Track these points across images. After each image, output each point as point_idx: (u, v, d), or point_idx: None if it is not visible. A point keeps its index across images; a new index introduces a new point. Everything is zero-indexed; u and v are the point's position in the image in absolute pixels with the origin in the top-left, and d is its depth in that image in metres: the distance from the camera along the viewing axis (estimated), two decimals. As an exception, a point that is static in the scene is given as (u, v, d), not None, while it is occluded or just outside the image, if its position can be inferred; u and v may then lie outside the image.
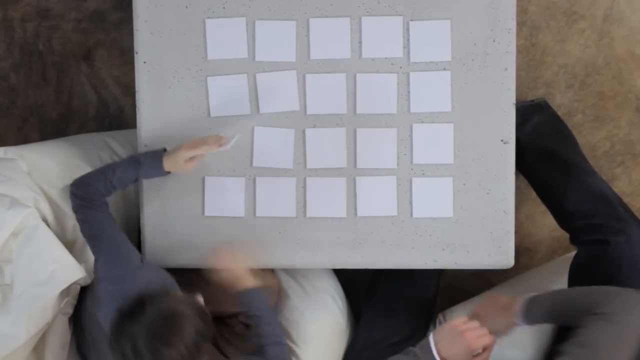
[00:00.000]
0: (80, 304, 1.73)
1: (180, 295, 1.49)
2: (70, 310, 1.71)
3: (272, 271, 1.94)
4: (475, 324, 1.54)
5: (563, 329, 1.78)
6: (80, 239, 1.76)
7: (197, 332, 1.42)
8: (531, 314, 1.60)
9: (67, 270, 1.64)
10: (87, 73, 2.32)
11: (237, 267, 1.71)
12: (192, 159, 1.68)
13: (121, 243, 1.65)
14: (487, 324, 1.60)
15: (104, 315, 1.59)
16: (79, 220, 1.68)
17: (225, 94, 1.78)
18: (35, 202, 1.69)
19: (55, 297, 1.62)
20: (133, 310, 1.42)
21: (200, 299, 1.54)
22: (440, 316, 2.06)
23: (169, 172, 1.71)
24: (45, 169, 1.76)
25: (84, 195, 1.67)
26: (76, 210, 1.68)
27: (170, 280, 1.68)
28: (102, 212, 1.67)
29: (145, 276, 1.62)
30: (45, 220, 1.69)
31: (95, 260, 1.65)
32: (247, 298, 1.70)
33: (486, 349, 1.53)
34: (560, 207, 1.93)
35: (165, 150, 1.72)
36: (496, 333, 1.62)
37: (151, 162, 1.70)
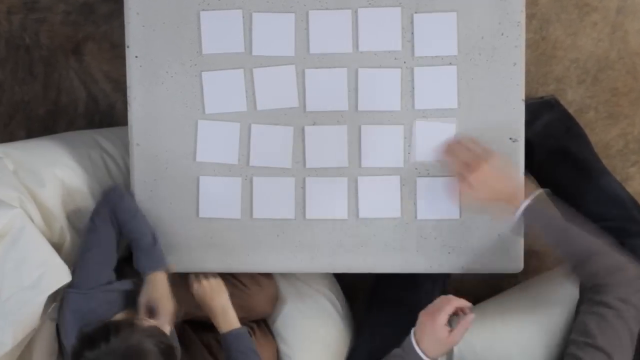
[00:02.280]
0: None
1: (148, 328, 1.50)
2: (56, 316, 1.72)
3: (269, 275, 1.94)
4: (441, 302, 1.57)
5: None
6: (68, 240, 1.76)
7: None
8: (533, 216, 1.58)
9: (55, 273, 1.64)
10: (76, 68, 2.32)
11: (218, 303, 1.74)
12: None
13: (103, 261, 1.70)
14: (480, 192, 1.62)
15: (65, 327, 1.62)
16: (91, 225, 1.71)
17: (220, 89, 1.78)
18: (21, 203, 1.69)
19: (42, 301, 1.62)
20: (95, 338, 1.43)
21: (167, 330, 1.57)
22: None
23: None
24: (31, 168, 1.76)
25: (115, 209, 1.71)
26: (97, 215, 1.72)
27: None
28: (114, 229, 1.72)
29: (116, 296, 1.67)
30: (31, 221, 1.69)
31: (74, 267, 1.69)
32: (229, 341, 1.72)
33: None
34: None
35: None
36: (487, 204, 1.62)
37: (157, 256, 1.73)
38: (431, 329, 1.57)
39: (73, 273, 1.68)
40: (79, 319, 1.63)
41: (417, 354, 1.57)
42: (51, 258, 1.65)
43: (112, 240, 1.72)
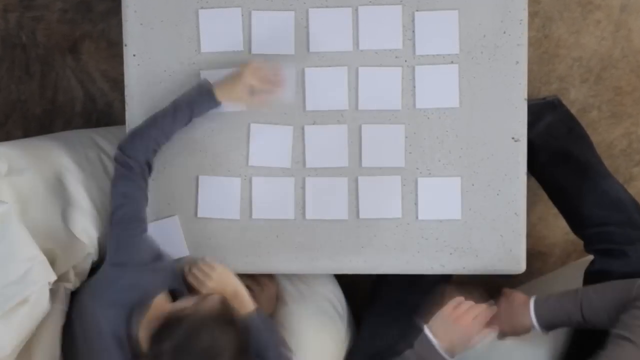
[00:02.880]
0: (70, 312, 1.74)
1: (232, 328, 1.51)
2: (61, 320, 1.72)
3: (269, 276, 1.94)
4: (466, 305, 1.58)
5: (579, 335, 1.79)
6: (64, 241, 1.76)
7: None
8: (541, 314, 1.62)
9: (41, 270, 1.64)
10: (73, 67, 2.32)
11: (230, 289, 1.69)
12: (254, 92, 1.70)
13: (137, 231, 1.67)
14: (504, 327, 1.65)
15: (103, 309, 1.61)
16: (114, 191, 1.68)
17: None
18: (11, 201, 1.69)
19: (30, 295, 1.62)
20: (162, 335, 1.46)
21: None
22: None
23: (220, 103, 1.72)
24: (27, 168, 1.76)
25: (130, 161, 1.66)
26: (116, 179, 1.68)
27: (180, 280, 1.70)
28: (142, 190, 1.68)
29: (157, 277, 1.65)
30: (18, 218, 1.68)
31: (111, 233, 1.67)
32: (248, 324, 1.67)
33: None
34: (573, 212, 1.93)
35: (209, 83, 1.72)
36: (511, 334, 1.67)
37: (201, 96, 1.70)
38: (457, 334, 1.58)
39: (116, 250, 1.65)
40: (128, 298, 1.60)
41: (437, 353, 1.57)
42: (38, 255, 1.65)
43: (146, 199, 1.70)
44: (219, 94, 1.70)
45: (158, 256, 1.69)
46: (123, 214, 1.65)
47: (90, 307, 1.65)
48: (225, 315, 1.52)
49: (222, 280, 1.70)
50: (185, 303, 1.57)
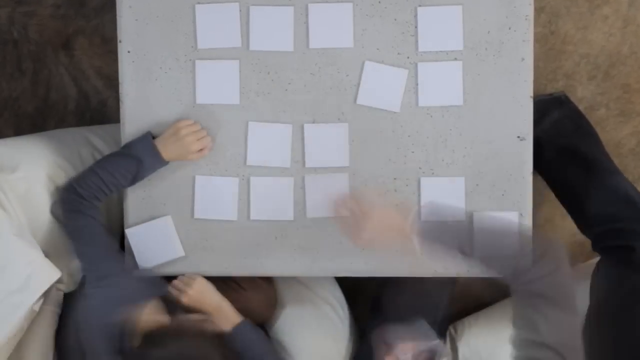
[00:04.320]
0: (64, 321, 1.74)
1: (210, 336, 1.52)
2: (54, 322, 1.72)
3: (268, 279, 1.94)
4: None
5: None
6: (57, 241, 1.76)
7: None
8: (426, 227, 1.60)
9: (43, 272, 1.64)
10: (66, 63, 2.32)
11: (209, 303, 1.73)
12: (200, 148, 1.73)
13: (108, 247, 1.68)
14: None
15: (89, 327, 1.60)
16: (68, 230, 1.69)
17: (216, 85, 1.78)
18: (3, 203, 1.69)
19: (33, 303, 1.62)
20: (155, 342, 1.46)
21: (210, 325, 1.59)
22: (451, 328, 2.06)
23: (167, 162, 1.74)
24: (18, 166, 1.76)
25: (75, 202, 1.68)
26: (66, 217, 1.69)
27: (163, 289, 1.70)
28: (94, 218, 1.69)
29: (136, 284, 1.65)
30: (14, 222, 1.69)
31: (82, 268, 1.67)
32: (236, 338, 1.71)
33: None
34: (581, 210, 1.94)
35: (152, 136, 1.74)
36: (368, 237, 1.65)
37: (148, 155, 1.72)
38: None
39: (87, 270, 1.66)
40: (108, 312, 1.62)
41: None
42: (38, 257, 1.65)
43: (103, 221, 1.71)
44: (165, 152, 1.73)
45: (135, 266, 1.70)
46: (88, 235, 1.67)
47: (82, 320, 1.66)
48: (219, 337, 1.54)
49: (202, 291, 1.73)
50: (185, 319, 1.59)
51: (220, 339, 1.54)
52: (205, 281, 1.76)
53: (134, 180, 1.73)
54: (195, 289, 1.73)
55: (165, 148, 1.73)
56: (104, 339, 1.58)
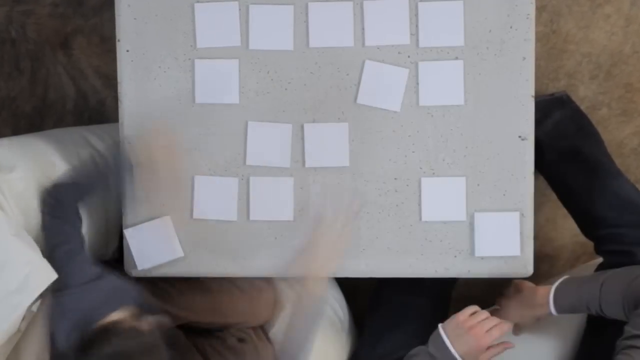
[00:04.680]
0: None
1: (127, 327, 1.49)
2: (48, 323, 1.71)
3: (268, 279, 1.94)
4: (482, 315, 1.60)
5: (594, 322, 1.80)
6: None
7: None
8: (561, 305, 1.65)
9: (41, 272, 1.64)
10: (64, 63, 2.32)
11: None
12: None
13: (77, 258, 1.65)
14: (511, 316, 1.69)
15: (59, 334, 1.59)
16: (45, 231, 1.68)
17: (215, 84, 1.78)
18: (3, 203, 1.69)
19: (31, 303, 1.62)
20: (92, 344, 1.43)
21: (166, 323, 1.55)
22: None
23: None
24: (16, 166, 1.76)
25: (59, 208, 1.67)
26: (46, 221, 1.68)
27: (134, 296, 1.68)
28: (75, 228, 1.67)
29: (100, 290, 1.62)
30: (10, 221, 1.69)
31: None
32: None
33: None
34: (583, 213, 1.94)
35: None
36: (522, 325, 1.71)
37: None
38: (468, 344, 1.60)
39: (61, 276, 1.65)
40: (77, 322, 1.61)
41: (450, 354, 1.60)
42: (36, 257, 1.65)
43: (80, 226, 1.69)
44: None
45: (99, 275, 1.67)
46: (71, 247, 1.65)
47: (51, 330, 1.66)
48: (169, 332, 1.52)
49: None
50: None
51: (170, 334, 1.52)
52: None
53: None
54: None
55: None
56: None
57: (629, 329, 1.54)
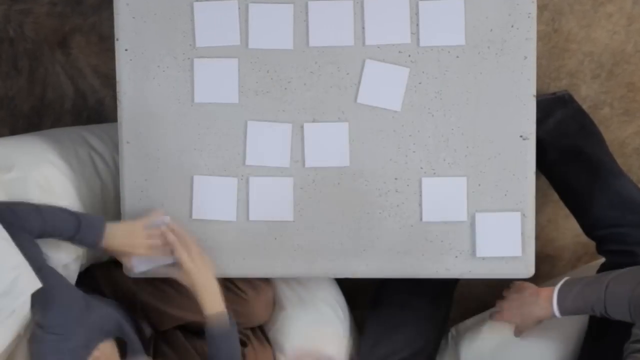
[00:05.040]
0: None
1: None
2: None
3: (266, 280, 1.94)
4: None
5: (596, 324, 1.80)
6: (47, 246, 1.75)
7: None
8: (565, 307, 1.66)
9: (28, 276, 1.63)
10: (62, 62, 2.32)
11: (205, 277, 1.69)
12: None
13: (58, 284, 1.62)
14: (512, 318, 1.69)
15: None
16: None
17: (214, 84, 1.78)
18: None
19: (18, 307, 1.61)
20: None
21: None
22: (452, 330, 2.06)
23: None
24: (14, 166, 1.76)
25: (15, 222, 1.60)
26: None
27: (122, 321, 1.68)
28: (34, 245, 1.63)
29: (93, 322, 1.61)
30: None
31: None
32: (212, 337, 1.67)
33: None
34: (585, 213, 1.93)
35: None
36: (522, 327, 1.71)
37: (89, 231, 1.66)
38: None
39: (44, 312, 1.59)
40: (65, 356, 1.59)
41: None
42: (23, 263, 1.63)
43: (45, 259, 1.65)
44: (107, 241, 1.66)
45: (86, 306, 1.64)
46: (47, 271, 1.61)
47: None
48: None
49: (202, 266, 1.69)
50: None
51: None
52: (208, 260, 1.72)
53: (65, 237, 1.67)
54: (196, 261, 1.69)
55: (117, 233, 1.68)
56: None
57: (637, 332, 1.54)
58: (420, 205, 1.78)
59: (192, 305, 1.71)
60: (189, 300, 1.73)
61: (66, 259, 1.76)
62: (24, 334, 1.63)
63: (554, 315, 1.73)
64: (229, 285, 1.88)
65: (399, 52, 1.76)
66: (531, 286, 1.79)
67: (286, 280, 1.95)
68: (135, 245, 1.70)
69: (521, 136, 1.76)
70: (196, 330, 1.87)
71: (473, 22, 1.74)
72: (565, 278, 1.75)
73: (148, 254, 1.71)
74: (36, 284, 1.63)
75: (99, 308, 1.69)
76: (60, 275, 1.66)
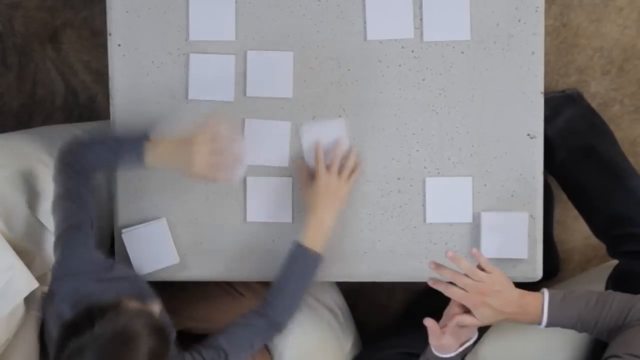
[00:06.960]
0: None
1: (134, 308, 1.47)
2: (38, 327, 1.71)
3: (265, 284, 1.94)
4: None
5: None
6: (39, 243, 1.75)
7: (152, 352, 1.40)
8: (554, 319, 1.59)
9: (22, 278, 1.63)
10: (53, 57, 2.32)
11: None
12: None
13: (89, 236, 1.63)
14: (486, 319, 1.61)
15: (61, 314, 1.58)
16: (57, 193, 1.65)
17: (210, 80, 1.78)
18: None
19: (13, 309, 1.61)
20: (78, 324, 1.40)
21: (157, 309, 1.53)
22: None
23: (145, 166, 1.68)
24: (3, 164, 1.76)
25: (77, 165, 1.64)
26: (60, 179, 1.65)
27: (147, 290, 1.67)
28: (89, 194, 1.65)
29: (113, 283, 1.62)
30: None
31: (55, 250, 1.63)
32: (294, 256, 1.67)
33: None
34: (596, 213, 1.93)
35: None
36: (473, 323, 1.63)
37: (130, 153, 1.67)
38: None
39: (61, 259, 1.62)
40: (77, 303, 1.58)
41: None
42: (17, 263, 1.64)
43: (91, 206, 1.66)
44: (152, 158, 1.64)
45: (108, 267, 1.65)
46: (72, 222, 1.62)
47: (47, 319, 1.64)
48: (151, 316, 1.49)
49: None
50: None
51: (146, 311, 1.50)
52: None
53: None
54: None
55: (164, 151, 1.66)
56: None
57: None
58: (424, 206, 1.78)
59: (193, 312, 1.71)
60: (189, 307, 1.73)
61: None
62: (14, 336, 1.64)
63: (538, 324, 1.61)
64: (228, 288, 1.88)
65: (402, 47, 1.75)
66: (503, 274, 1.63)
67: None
68: (185, 171, 1.65)
69: (529, 135, 1.76)
70: (195, 336, 1.86)
71: (479, 17, 1.74)
72: (548, 289, 1.65)
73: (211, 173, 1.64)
74: (31, 284, 1.63)
75: (126, 274, 1.69)
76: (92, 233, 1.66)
